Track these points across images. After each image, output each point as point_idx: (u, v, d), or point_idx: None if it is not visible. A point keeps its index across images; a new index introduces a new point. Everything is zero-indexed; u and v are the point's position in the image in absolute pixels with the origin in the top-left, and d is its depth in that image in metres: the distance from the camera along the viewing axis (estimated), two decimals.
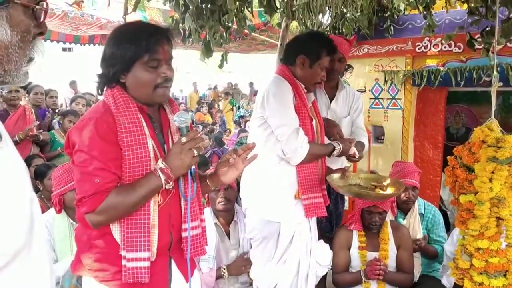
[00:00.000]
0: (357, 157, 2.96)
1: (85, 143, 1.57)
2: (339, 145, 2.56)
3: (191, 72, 24.26)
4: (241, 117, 12.61)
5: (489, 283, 2.13)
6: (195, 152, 1.63)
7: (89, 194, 1.55)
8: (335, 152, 2.57)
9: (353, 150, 2.90)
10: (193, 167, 1.70)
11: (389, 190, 2.67)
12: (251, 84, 18.82)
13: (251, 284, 3.08)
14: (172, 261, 1.76)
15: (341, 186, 2.57)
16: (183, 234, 1.72)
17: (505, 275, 2.16)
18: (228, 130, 10.36)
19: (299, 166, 2.53)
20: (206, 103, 14.97)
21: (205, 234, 1.84)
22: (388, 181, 2.65)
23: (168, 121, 1.78)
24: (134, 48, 1.62)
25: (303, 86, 2.62)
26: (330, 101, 3.35)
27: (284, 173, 2.54)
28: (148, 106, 1.71)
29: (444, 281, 3.27)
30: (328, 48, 2.59)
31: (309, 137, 2.54)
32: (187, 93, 18.03)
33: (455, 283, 3.02)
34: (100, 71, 1.71)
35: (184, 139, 1.62)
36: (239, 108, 15.03)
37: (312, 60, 2.57)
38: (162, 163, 1.61)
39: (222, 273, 2.95)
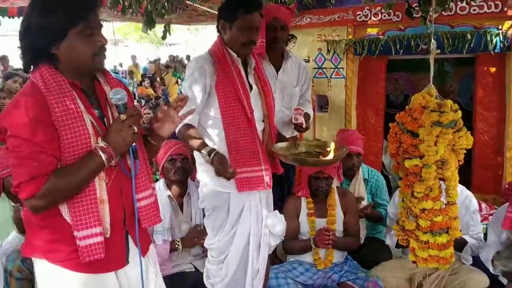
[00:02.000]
0: (304, 127, 3.01)
1: (17, 127, 1.50)
2: (208, 156, 2.35)
3: (130, 45, 23.52)
4: None
5: (434, 240, 2.26)
6: (135, 128, 1.60)
7: (27, 179, 1.49)
8: (202, 157, 2.43)
9: (301, 119, 2.94)
10: (134, 143, 1.66)
11: (331, 156, 2.69)
12: (188, 57, 18.50)
13: (203, 256, 3.09)
14: (129, 236, 1.74)
15: (285, 155, 2.57)
16: (137, 205, 1.71)
17: (447, 232, 2.29)
18: None
19: (229, 140, 2.49)
20: (148, 76, 14.61)
21: (157, 204, 1.82)
22: (332, 147, 2.68)
23: (104, 92, 1.71)
24: (68, 16, 1.53)
25: (235, 55, 2.55)
26: (277, 72, 3.35)
27: (220, 147, 2.51)
28: (80, 80, 1.64)
29: (387, 241, 3.43)
30: (243, 6, 2.47)
31: (239, 109, 2.47)
32: (126, 66, 17.47)
33: (397, 242, 3.19)
34: (23, 44, 1.61)
35: (123, 116, 1.58)
36: (183, 80, 14.77)
37: (231, 21, 2.49)
38: (102, 142, 1.56)
39: (177, 246, 2.94)
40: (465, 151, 2.30)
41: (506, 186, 3.73)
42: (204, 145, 2.42)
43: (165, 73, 14.75)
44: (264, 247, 2.65)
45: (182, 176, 3.08)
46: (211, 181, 2.52)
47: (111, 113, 1.70)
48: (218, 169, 2.33)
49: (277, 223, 2.71)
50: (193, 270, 3.09)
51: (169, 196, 3.00)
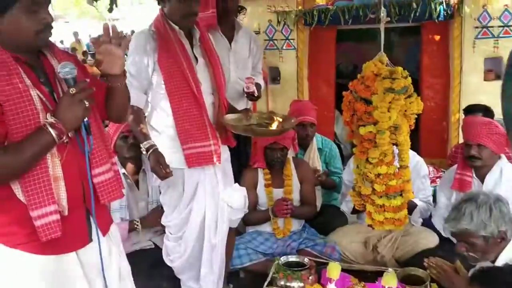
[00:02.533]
0: (256, 95, 3.01)
1: None
2: (146, 152, 2.41)
3: (70, 21, 22.53)
4: None
5: (390, 203, 2.34)
6: (87, 103, 1.54)
7: None
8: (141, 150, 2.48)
9: (253, 88, 2.94)
10: (86, 118, 1.60)
11: (280, 127, 2.71)
12: (132, 32, 17.92)
13: (162, 233, 3.06)
14: (90, 214, 1.69)
15: (235, 126, 2.56)
16: (95, 181, 1.66)
17: (401, 195, 2.38)
18: None
19: (176, 115, 2.45)
20: (91, 54, 14.05)
21: (119, 178, 1.78)
22: (281, 118, 2.70)
23: (52, 67, 1.64)
24: None
25: (177, 28, 2.49)
26: (230, 43, 3.31)
27: (168, 124, 2.49)
28: (25, 54, 1.56)
29: (343, 207, 3.53)
30: None
31: (184, 83, 2.43)
32: (68, 44, 16.72)
33: (353, 208, 3.29)
34: None
35: (72, 90, 1.52)
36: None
37: None
38: (51, 118, 1.50)
39: (136, 226, 2.89)
40: (416, 116, 2.38)
41: (453, 149, 3.92)
42: (145, 137, 2.42)
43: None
44: (222, 222, 2.65)
45: (136, 153, 3.00)
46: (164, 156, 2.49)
47: (61, 88, 1.62)
48: (153, 167, 2.38)
49: (236, 197, 2.71)
50: (153, 247, 3.06)
51: (123, 173, 2.94)
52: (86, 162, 1.63)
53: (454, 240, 2.75)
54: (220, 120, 2.55)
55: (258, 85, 3.09)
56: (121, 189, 1.77)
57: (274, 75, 4.98)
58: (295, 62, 4.75)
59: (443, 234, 3.00)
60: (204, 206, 2.57)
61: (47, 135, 1.48)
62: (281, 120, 2.60)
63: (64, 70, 1.56)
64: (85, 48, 16.49)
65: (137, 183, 3.04)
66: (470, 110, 3.69)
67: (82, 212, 1.66)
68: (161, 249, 3.01)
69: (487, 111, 3.55)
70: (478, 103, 3.78)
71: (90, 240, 1.69)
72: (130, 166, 3.02)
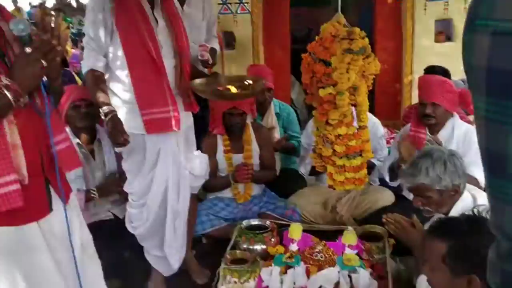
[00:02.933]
0: (210, 63, 2.95)
1: None
2: (105, 117, 2.29)
3: None
4: (78, 35, 11.38)
5: (350, 163, 2.39)
6: (44, 62, 1.45)
7: None
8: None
9: (207, 56, 2.88)
10: (45, 78, 1.52)
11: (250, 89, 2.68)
12: None
13: (121, 203, 3.01)
14: (49, 183, 1.62)
15: (204, 90, 2.52)
16: (51, 151, 1.59)
17: (360, 154, 2.43)
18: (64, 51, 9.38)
19: (134, 80, 2.39)
20: (33, 23, 13.31)
21: (74, 147, 1.73)
22: (251, 80, 2.66)
23: (0, 29, 1.53)
24: None
25: None
26: (182, 6, 3.20)
27: (127, 89, 2.42)
28: None
29: (302, 170, 3.59)
30: None
31: (142, 46, 2.35)
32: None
33: (311, 170, 3.35)
34: None
35: (28, 49, 1.43)
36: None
37: None
38: (5, 79, 1.41)
39: (92, 195, 2.82)
40: (373, 77, 2.41)
41: (407, 109, 4.02)
42: (104, 102, 2.33)
43: (54, 18, 13.55)
44: (184, 188, 2.63)
45: (89, 122, 2.90)
46: (124, 123, 2.41)
47: (12, 51, 1.52)
48: (110, 133, 2.30)
49: (197, 164, 2.69)
50: (112, 217, 3.01)
51: (78, 143, 2.84)
52: (43, 128, 1.55)
53: (408, 195, 2.87)
54: (184, 85, 2.49)
55: (213, 50, 3.02)
56: (78, 158, 1.71)
57: (228, 40, 4.89)
58: (250, 27, 4.68)
59: (388, 182, 3.11)
60: (167, 173, 2.54)
61: (3, 98, 1.39)
62: (251, 82, 2.56)
63: (18, 27, 1.45)
64: (26, 16, 15.64)
65: (92, 153, 2.95)
66: (430, 71, 3.79)
67: (41, 181, 1.60)
68: (121, 220, 2.96)
69: (445, 74, 3.65)
70: (431, 64, 3.88)
71: (51, 209, 1.63)
72: (84, 136, 2.92)
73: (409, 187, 2.17)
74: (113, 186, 2.90)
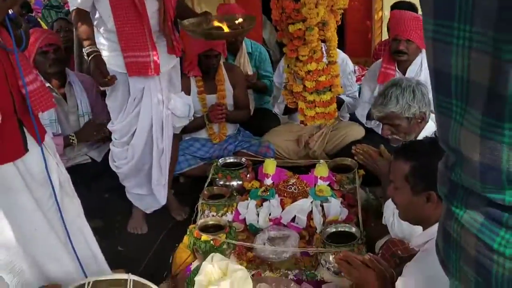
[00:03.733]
0: None
1: None
2: (87, 57, 2.37)
3: None
4: None
5: (320, 98, 2.46)
6: None
7: None
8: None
9: None
10: (11, 11, 1.49)
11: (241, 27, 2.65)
12: None
13: (99, 146, 3.04)
14: (23, 124, 1.64)
15: (194, 31, 2.51)
16: (23, 91, 1.58)
17: (330, 90, 2.50)
18: None
19: (117, 24, 2.39)
20: None
21: (46, 87, 1.73)
22: (241, 19, 2.64)
23: None
24: None
25: None
26: None
27: (110, 28, 2.42)
28: None
29: (275, 109, 3.65)
30: None
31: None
32: None
33: (284, 109, 3.41)
34: None
35: None
36: None
37: None
38: None
39: (71, 141, 2.84)
40: (342, 11, 2.43)
41: (377, 46, 4.07)
42: (88, 41, 2.36)
43: None
44: (167, 128, 2.69)
45: (58, 67, 2.87)
46: (107, 60, 2.43)
47: None
48: (92, 73, 2.36)
49: (179, 105, 2.74)
50: (90, 161, 3.05)
51: (49, 87, 2.82)
52: (12, 68, 1.54)
53: (378, 130, 2.98)
54: (167, 28, 2.49)
55: None
56: (52, 98, 1.72)
57: None
58: None
59: (364, 124, 3.22)
60: (150, 112, 2.59)
61: None
62: (241, 20, 2.56)
63: None
64: None
65: (64, 97, 2.94)
66: (397, 7, 3.81)
67: (14, 123, 1.61)
68: (98, 162, 3.01)
69: (412, 8, 3.68)
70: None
71: (26, 150, 1.66)
72: (54, 81, 2.90)
73: (379, 117, 2.26)
74: (92, 131, 2.93)
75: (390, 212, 2.04)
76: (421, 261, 1.42)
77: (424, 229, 1.62)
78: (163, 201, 2.83)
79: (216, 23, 2.53)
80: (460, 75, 0.82)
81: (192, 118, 2.91)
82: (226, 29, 2.42)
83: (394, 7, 3.84)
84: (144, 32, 2.44)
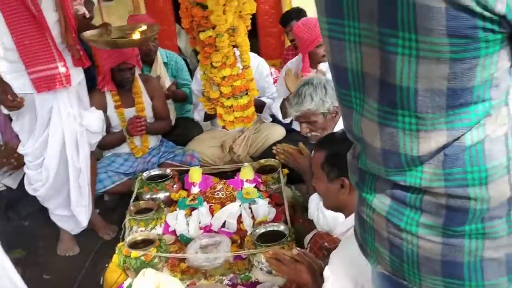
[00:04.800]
0: (88, 17, 2.85)
1: None
2: None
3: None
4: None
5: (237, 103, 2.49)
6: None
7: None
8: None
9: (83, 10, 2.78)
10: None
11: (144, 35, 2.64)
12: None
13: (11, 173, 2.88)
14: None
15: (96, 41, 2.45)
16: None
17: (246, 93, 2.54)
18: None
19: (16, 40, 2.28)
20: None
21: None
22: (143, 28, 2.62)
23: None
24: None
25: None
26: None
27: (8, 46, 2.31)
28: None
29: (196, 117, 3.65)
30: None
31: (19, 2, 2.26)
32: None
33: (205, 116, 3.42)
34: None
35: None
36: None
37: None
38: None
39: None
40: (251, 17, 2.48)
41: (285, 52, 4.21)
42: None
43: None
44: (82, 146, 2.61)
45: None
46: (12, 83, 2.31)
47: None
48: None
49: (92, 120, 2.66)
50: (4, 189, 2.89)
51: None
52: None
53: (298, 129, 3.07)
54: (70, 39, 2.40)
55: (89, 3, 2.91)
56: None
57: None
58: None
59: (281, 120, 3.30)
60: (62, 131, 2.50)
61: None
62: (145, 28, 2.52)
63: None
64: None
65: None
66: (286, 19, 3.94)
67: None
68: (14, 189, 2.86)
69: (299, 14, 3.82)
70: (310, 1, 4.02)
71: None
72: None
73: (296, 116, 2.33)
74: (5, 159, 2.77)
75: (314, 206, 2.12)
76: (344, 248, 1.48)
77: (346, 217, 1.70)
78: (84, 222, 2.72)
79: (117, 34, 2.52)
80: (355, 68, 0.88)
81: (105, 133, 2.83)
82: (131, 37, 2.41)
83: (284, 19, 3.98)
84: (47, 44, 2.35)
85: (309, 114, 2.27)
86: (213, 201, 2.60)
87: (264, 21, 4.72)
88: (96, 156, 3.19)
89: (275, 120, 3.54)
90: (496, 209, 0.81)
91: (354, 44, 0.85)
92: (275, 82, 3.92)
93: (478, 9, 0.66)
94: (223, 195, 2.63)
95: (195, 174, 2.74)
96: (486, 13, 0.66)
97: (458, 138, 0.78)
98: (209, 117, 3.39)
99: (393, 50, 0.77)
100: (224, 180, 2.77)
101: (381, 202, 0.93)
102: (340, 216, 1.80)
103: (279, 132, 3.40)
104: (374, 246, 0.99)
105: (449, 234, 0.84)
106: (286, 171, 2.78)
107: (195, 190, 2.71)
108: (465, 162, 0.79)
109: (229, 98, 2.49)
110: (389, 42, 0.77)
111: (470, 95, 0.74)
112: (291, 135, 3.31)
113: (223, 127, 2.76)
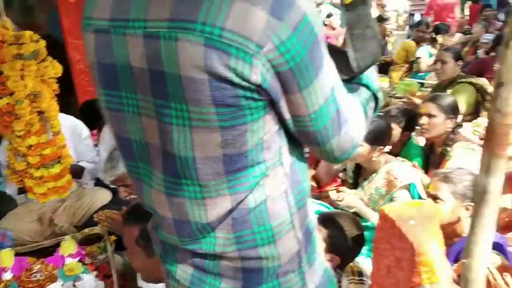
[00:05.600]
0: None
1: None
2: None
3: None
4: None
5: (49, 173, 2.28)
6: None
7: None
8: None
9: None
10: None
11: None
12: None
13: None
14: None
15: None
16: None
17: (59, 162, 2.35)
18: None
19: None
20: None
21: None
22: None
23: None
24: None
25: None
26: None
27: None
28: None
29: (7, 190, 3.27)
30: None
31: None
32: None
33: (18, 189, 3.08)
34: None
35: None
36: None
37: None
38: None
39: None
40: (56, 80, 2.34)
41: None
42: None
43: None
44: None
45: None
46: None
47: None
48: None
49: None
50: None
51: None
52: None
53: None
54: None
55: None
56: None
57: None
58: None
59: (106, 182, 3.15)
60: None
61: None
62: None
63: None
64: None
65: None
66: None
67: None
68: None
69: None
70: None
71: None
72: None
73: (111, 181, 2.22)
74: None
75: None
76: None
77: None
78: None
79: None
80: (138, 139, 0.85)
81: None
82: None
83: None
84: None
85: (125, 178, 2.19)
86: (30, 285, 2.30)
87: (82, 81, 4.52)
88: None
89: (99, 183, 3.35)
90: (287, 264, 0.83)
91: (133, 115, 0.83)
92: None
93: (237, 79, 0.68)
94: (41, 276, 2.35)
95: (6, 258, 2.41)
96: (245, 83, 0.69)
97: (242, 201, 0.79)
98: (23, 190, 3.06)
99: (168, 120, 0.76)
100: (42, 259, 2.48)
101: (183, 272, 0.90)
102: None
103: (105, 196, 3.19)
104: None
105: None
106: (113, 237, 2.62)
107: (7, 276, 2.37)
108: (252, 224, 0.80)
109: (38, 168, 2.28)
110: (164, 113, 0.76)
111: (245, 159, 0.76)
112: (117, 198, 3.15)
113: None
